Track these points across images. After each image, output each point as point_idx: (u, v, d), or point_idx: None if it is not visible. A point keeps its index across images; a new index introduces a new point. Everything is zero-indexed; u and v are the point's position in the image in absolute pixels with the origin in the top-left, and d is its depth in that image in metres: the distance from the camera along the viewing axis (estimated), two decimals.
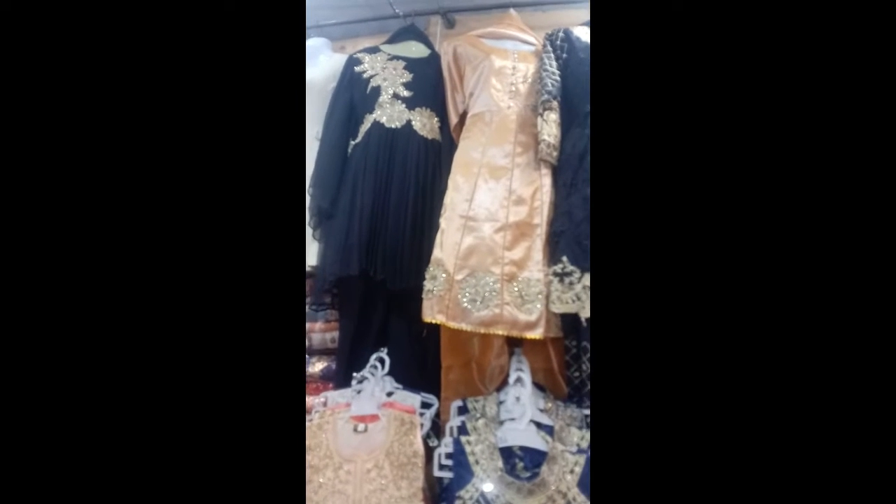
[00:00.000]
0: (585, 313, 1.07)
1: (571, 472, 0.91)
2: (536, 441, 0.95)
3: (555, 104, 1.23)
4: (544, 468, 0.91)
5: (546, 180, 1.23)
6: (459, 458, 0.94)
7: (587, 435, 1.01)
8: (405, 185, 1.23)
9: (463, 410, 1.14)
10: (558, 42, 1.29)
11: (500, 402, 1.08)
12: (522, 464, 0.95)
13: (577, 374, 1.18)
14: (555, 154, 1.22)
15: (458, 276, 1.14)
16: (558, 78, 1.25)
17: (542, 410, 1.07)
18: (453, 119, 1.37)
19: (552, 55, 1.28)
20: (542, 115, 1.21)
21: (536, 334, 1.11)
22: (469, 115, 1.32)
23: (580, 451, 0.94)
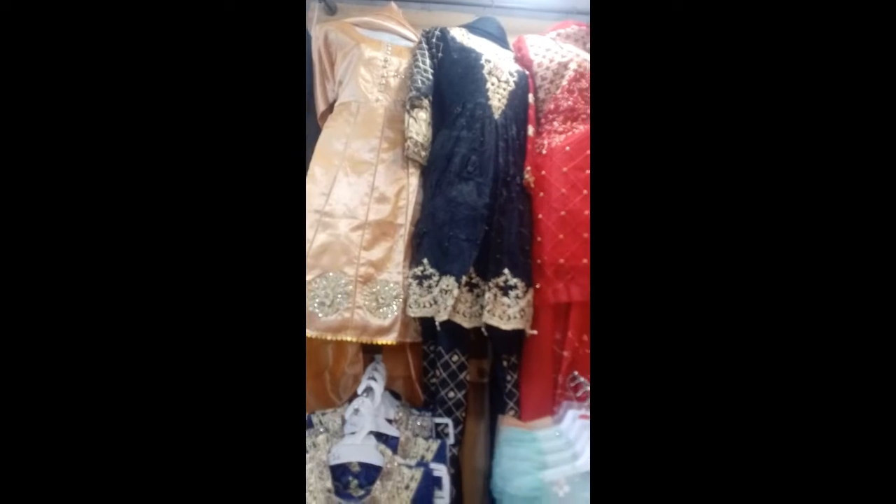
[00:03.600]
0: (441, 317, 1.03)
1: (407, 487, 0.85)
2: (373, 456, 0.88)
3: (425, 102, 1.19)
4: (377, 485, 0.84)
5: (413, 179, 1.18)
6: None
7: (433, 446, 0.97)
8: None
9: (308, 425, 1.04)
10: (434, 40, 1.25)
11: (345, 416, 1.00)
12: (357, 481, 0.87)
13: (433, 380, 1.13)
14: (423, 154, 1.18)
15: (308, 277, 1.04)
16: (430, 76, 1.22)
17: (390, 421, 1.00)
18: (321, 107, 1.27)
19: (426, 53, 1.24)
20: (409, 112, 1.17)
21: (389, 339, 1.04)
22: (336, 104, 1.23)
23: (420, 464, 0.89)
